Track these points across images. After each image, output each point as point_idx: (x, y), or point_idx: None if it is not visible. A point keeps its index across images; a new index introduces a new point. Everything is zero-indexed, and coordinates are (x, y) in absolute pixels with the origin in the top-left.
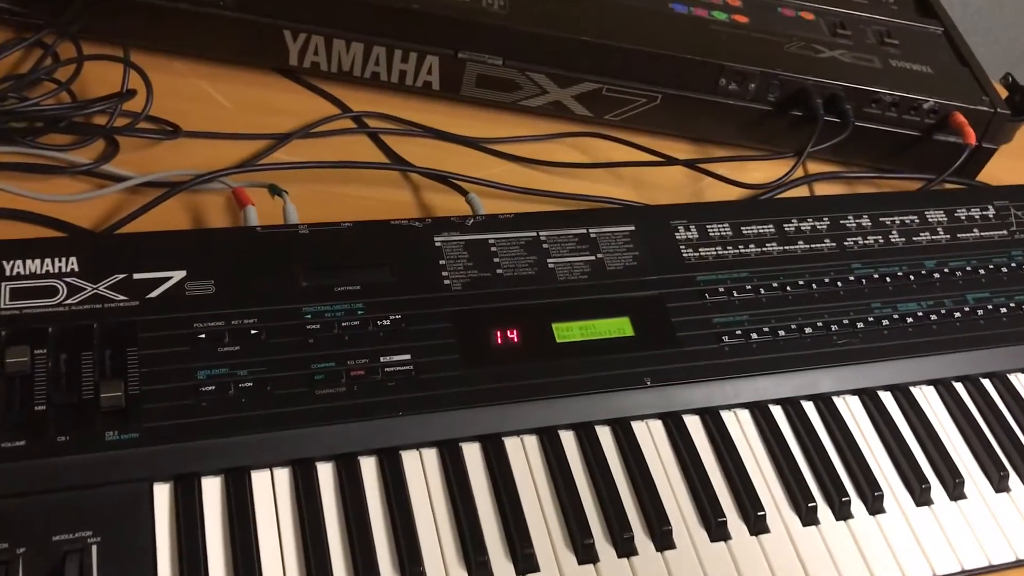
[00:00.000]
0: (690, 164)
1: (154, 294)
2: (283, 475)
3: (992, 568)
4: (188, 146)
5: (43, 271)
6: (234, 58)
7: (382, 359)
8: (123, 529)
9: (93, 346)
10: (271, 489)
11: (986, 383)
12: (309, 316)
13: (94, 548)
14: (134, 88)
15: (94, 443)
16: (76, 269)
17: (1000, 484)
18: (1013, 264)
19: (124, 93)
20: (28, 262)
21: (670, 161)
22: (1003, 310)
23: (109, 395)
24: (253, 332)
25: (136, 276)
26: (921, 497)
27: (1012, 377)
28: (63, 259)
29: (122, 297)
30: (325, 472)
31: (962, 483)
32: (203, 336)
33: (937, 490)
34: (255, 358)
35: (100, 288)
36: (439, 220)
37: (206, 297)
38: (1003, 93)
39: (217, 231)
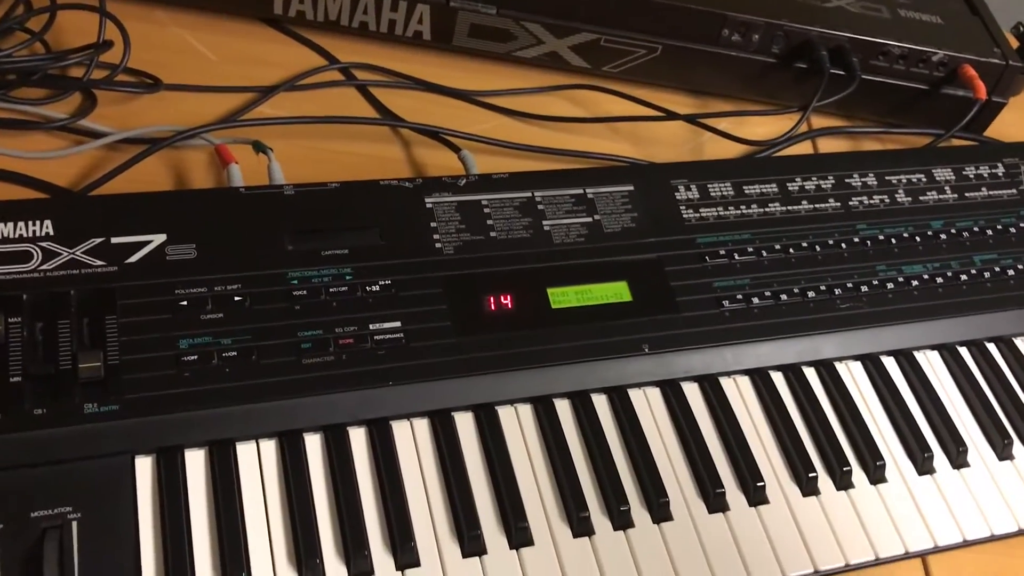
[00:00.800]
0: (691, 119)
1: (133, 259)
2: (269, 447)
3: (993, 538)
4: (169, 100)
5: (16, 235)
6: (217, 6)
7: (371, 327)
8: (104, 504)
9: (70, 314)
10: (257, 462)
11: (991, 348)
12: (295, 282)
13: (74, 524)
14: (111, 39)
15: (72, 415)
16: (51, 233)
17: (1004, 452)
18: (1022, 224)
19: (101, 44)
20: (0, 225)
21: (670, 116)
22: (1010, 272)
23: (87, 365)
24: (237, 299)
25: (114, 240)
26: (923, 466)
27: (1018, 341)
28: (37, 222)
29: (100, 262)
30: (313, 444)
31: (965, 451)
32: (185, 303)
33: (940, 458)
34: (239, 326)
35: (77, 253)
36: (430, 180)
37: (188, 262)
38: (1014, 44)
39: (199, 192)
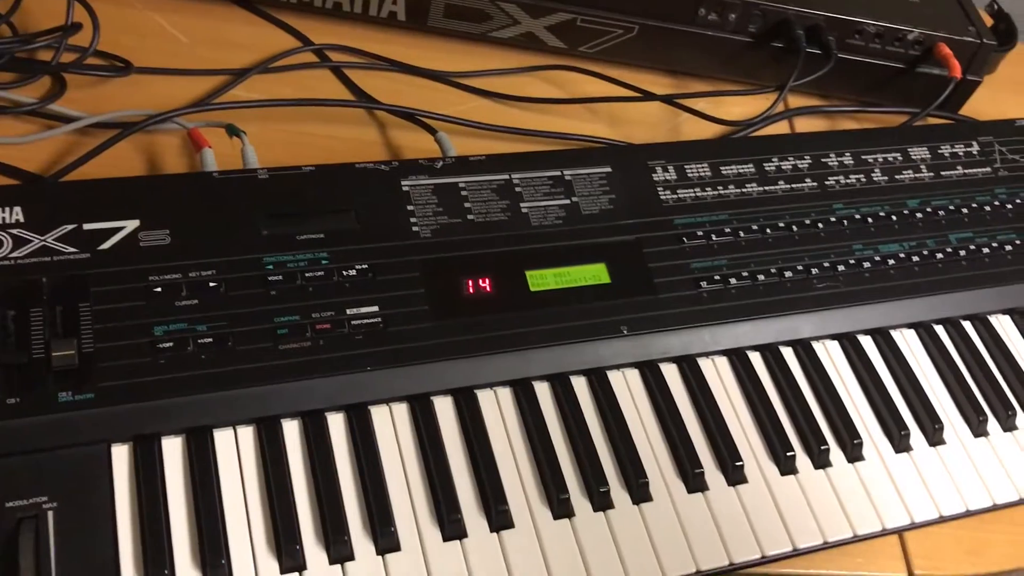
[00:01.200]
0: (668, 100)
1: (106, 245)
2: (247, 433)
3: (969, 513)
4: (140, 83)
5: None
6: None
7: (348, 311)
8: (80, 493)
9: (43, 302)
10: (235, 448)
11: (967, 325)
12: (271, 267)
13: (50, 514)
14: (80, 21)
15: (47, 404)
16: (22, 220)
17: (979, 429)
18: (996, 202)
19: (70, 26)
20: None
21: (647, 96)
22: (985, 250)
23: (61, 354)
24: (212, 284)
25: (87, 226)
26: (900, 444)
27: (993, 319)
28: (7, 209)
29: (72, 249)
30: (291, 429)
31: (941, 429)
32: (159, 289)
33: (916, 436)
34: (214, 312)
35: (48, 240)
36: (406, 163)
37: (161, 248)
38: (988, 22)
39: (172, 177)
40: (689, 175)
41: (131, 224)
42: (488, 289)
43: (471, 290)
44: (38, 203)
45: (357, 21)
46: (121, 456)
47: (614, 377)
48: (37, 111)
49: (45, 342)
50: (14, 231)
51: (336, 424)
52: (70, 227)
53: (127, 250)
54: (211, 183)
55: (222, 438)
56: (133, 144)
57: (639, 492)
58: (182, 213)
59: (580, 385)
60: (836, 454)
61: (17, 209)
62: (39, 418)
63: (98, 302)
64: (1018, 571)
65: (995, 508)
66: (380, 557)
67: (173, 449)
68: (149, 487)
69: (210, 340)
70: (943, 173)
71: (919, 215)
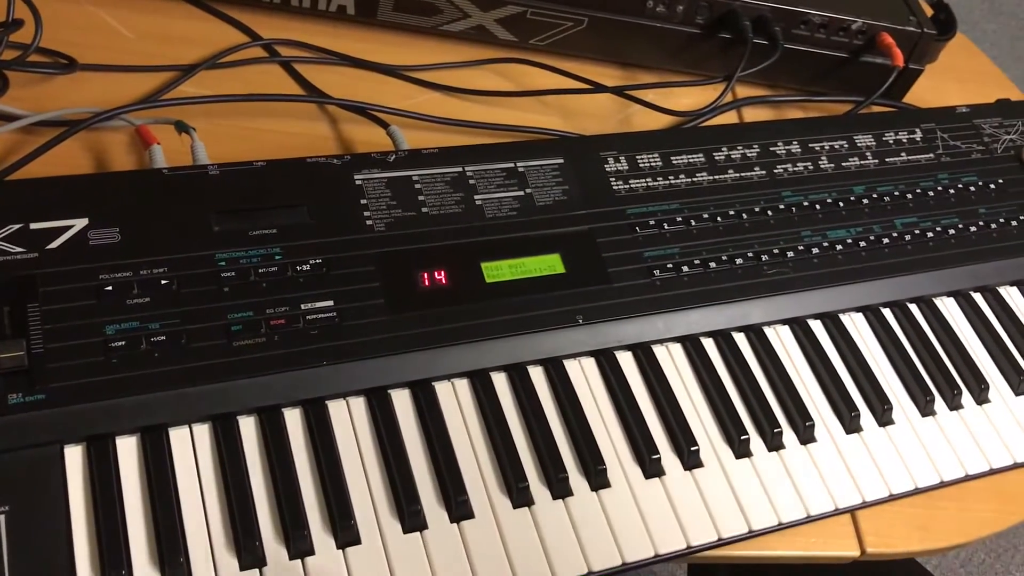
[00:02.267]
0: (618, 91)
1: (54, 244)
2: (203, 431)
3: (918, 491)
4: (85, 80)
5: None
6: None
7: (303, 306)
8: (33, 496)
9: None
10: (191, 447)
11: (913, 308)
12: (223, 263)
13: (2, 518)
14: (21, 18)
15: None
16: None
17: (926, 408)
18: (939, 188)
19: (11, 23)
20: None
21: (598, 88)
22: (929, 234)
23: (10, 355)
24: (164, 282)
25: (34, 226)
26: (851, 425)
27: (938, 301)
28: None
29: (19, 249)
30: (247, 426)
31: (890, 409)
32: (110, 288)
33: (866, 417)
34: (167, 309)
35: None
36: (359, 156)
37: (111, 246)
38: (929, 12)
39: (120, 174)
40: (641, 165)
41: (80, 223)
42: (444, 281)
43: (427, 283)
44: None
45: (306, 16)
46: (74, 457)
47: (571, 366)
48: None
49: None
50: None
51: (293, 419)
52: (16, 227)
53: (76, 249)
54: (161, 180)
55: (177, 436)
56: (79, 142)
57: (597, 479)
58: (132, 211)
59: (537, 375)
60: (789, 436)
61: None
62: None
63: (47, 302)
64: (966, 545)
65: (943, 485)
66: (340, 551)
67: (128, 449)
68: (104, 488)
69: (163, 338)
70: (888, 160)
71: (865, 201)
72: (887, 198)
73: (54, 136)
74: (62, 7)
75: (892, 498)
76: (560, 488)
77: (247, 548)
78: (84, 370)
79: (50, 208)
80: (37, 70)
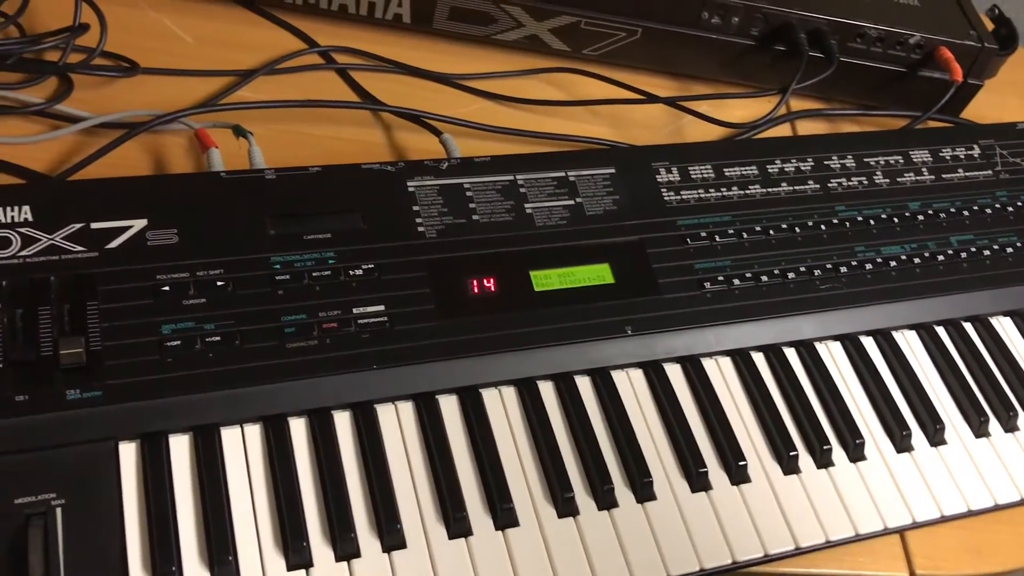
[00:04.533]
0: (671, 102)
1: (114, 244)
2: (254, 432)
3: (971, 513)
4: (147, 84)
5: None
6: None
7: (355, 311)
8: (88, 490)
9: (51, 300)
10: (242, 446)
11: (968, 327)
12: (278, 266)
13: (58, 511)
14: (87, 22)
15: (55, 402)
16: (30, 219)
17: (980, 429)
18: (997, 205)
19: (77, 27)
20: None
21: (650, 99)
22: (986, 252)
23: (69, 352)
24: (219, 284)
25: (94, 225)
26: (902, 444)
27: (993, 320)
28: (16, 208)
29: (80, 248)
30: (298, 428)
31: (943, 429)
32: (167, 288)
33: (918, 436)
34: (222, 311)
35: (56, 239)
36: (412, 164)
37: (169, 247)
38: (990, 26)
39: (179, 177)
40: (693, 176)
41: (139, 223)
42: (493, 289)
43: (476, 290)
44: (46, 202)
45: (363, 23)
46: (129, 454)
47: (618, 377)
48: (44, 111)
49: (53, 340)
50: (23, 230)
51: (343, 422)
52: (78, 226)
53: (135, 249)
54: (219, 183)
55: (229, 436)
56: (139, 144)
57: (643, 491)
58: (190, 212)
59: (584, 385)
60: (838, 454)
61: (26, 208)
62: (48, 415)
63: (106, 300)
64: (1020, 571)
65: (997, 508)
66: (386, 554)
67: (180, 447)
68: (156, 484)
69: (217, 339)
70: (944, 176)
71: (920, 217)
72: (943, 215)
73: (115, 138)
74: (126, 12)
75: (943, 519)
76: (605, 499)
77: (295, 549)
78: (140, 368)
79: (111, 208)
80: (100, 73)
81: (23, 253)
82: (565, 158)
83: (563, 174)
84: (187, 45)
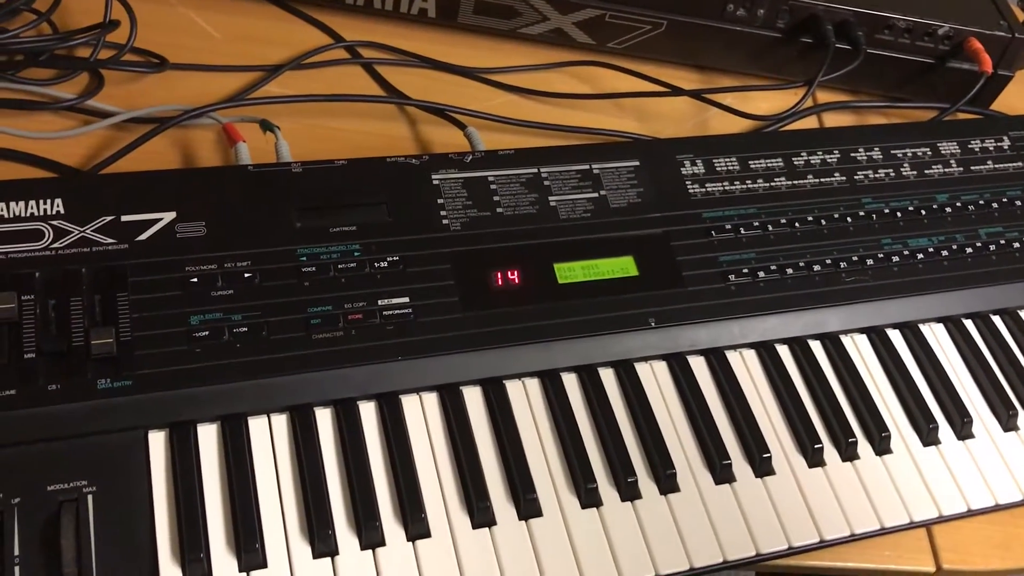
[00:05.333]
0: (696, 94)
1: (143, 236)
2: (280, 421)
3: (999, 507)
4: (175, 79)
5: (27, 214)
6: None
7: (380, 302)
8: (119, 478)
9: (82, 291)
10: (268, 435)
11: (996, 320)
12: (304, 258)
13: (90, 497)
14: (117, 19)
15: (86, 391)
16: (62, 211)
17: (1008, 423)
18: None
19: (107, 24)
20: (12, 204)
21: (675, 91)
22: (1015, 245)
23: (100, 342)
24: (247, 275)
25: (124, 218)
26: (928, 437)
27: (1022, 313)
28: (48, 201)
29: (110, 240)
30: (324, 417)
31: (970, 422)
32: (195, 280)
33: (945, 430)
34: (249, 302)
35: (87, 231)
36: (437, 157)
37: (197, 239)
38: (1020, 16)
39: (208, 170)
40: (717, 169)
41: (168, 216)
42: (517, 281)
43: (500, 282)
44: (78, 195)
45: (388, 18)
46: (158, 442)
47: (642, 369)
48: (75, 107)
49: (84, 330)
50: (55, 222)
51: (368, 412)
52: (108, 218)
53: (164, 241)
54: (246, 176)
55: (256, 425)
56: (168, 139)
57: (667, 483)
58: (218, 205)
59: (608, 377)
60: (864, 447)
61: (58, 201)
62: (79, 404)
63: (136, 292)
64: None
65: None
66: (411, 543)
67: (208, 436)
68: (185, 472)
69: (245, 329)
70: (973, 168)
71: (948, 209)
72: (971, 207)
73: (145, 132)
74: (154, 9)
75: (971, 514)
76: (629, 490)
77: (321, 537)
78: (169, 358)
79: (140, 201)
80: (130, 69)
81: (55, 245)
82: (589, 151)
83: (587, 167)
84: (215, 41)
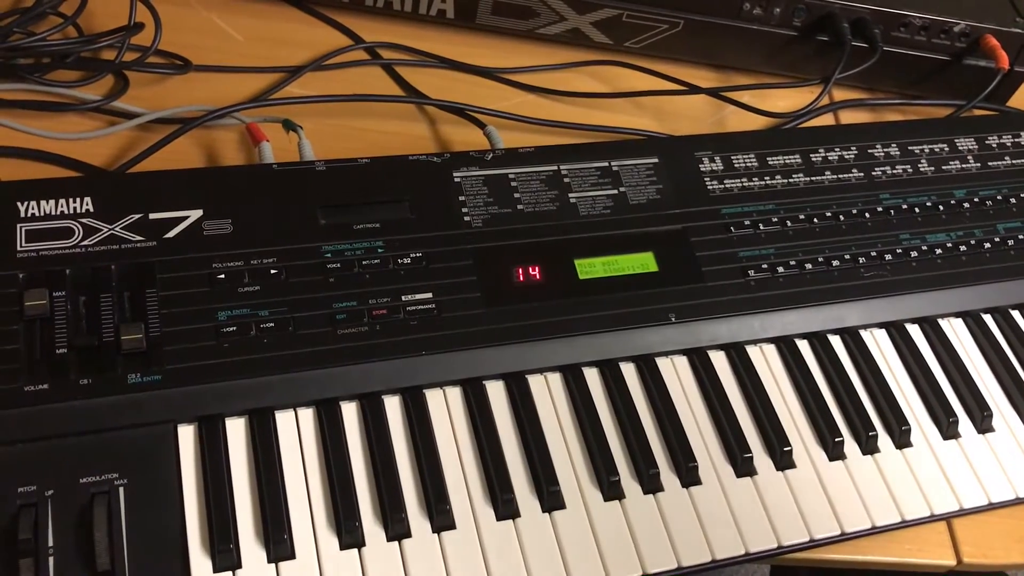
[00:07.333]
0: (713, 92)
1: (171, 234)
2: (307, 415)
3: (1020, 500)
4: (199, 81)
5: (58, 212)
6: None
7: (403, 298)
8: (149, 471)
9: (112, 288)
10: (296, 429)
11: (1016, 315)
12: (329, 255)
13: (121, 490)
14: (142, 21)
15: (116, 385)
16: (91, 209)
17: None
18: None
19: (132, 26)
20: (43, 203)
21: (693, 90)
22: None
23: (130, 337)
24: (273, 272)
25: (152, 216)
26: (948, 430)
27: None
28: (78, 199)
29: (139, 237)
30: (349, 412)
31: (990, 416)
32: (222, 276)
33: (964, 423)
34: (276, 298)
35: (116, 229)
36: (458, 155)
37: (224, 236)
38: None
39: (233, 169)
40: (736, 165)
41: (195, 214)
42: (538, 277)
43: (521, 278)
44: (106, 194)
45: (407, 19)
46: (187, 436)
47: (663, 363)
48: (101, 108)
49: (114, 326)
50: (84, 220)
51: (392, 406)
52: (137, 216)
53: (191, 238)
54: (271, 175)
55: (283, 419)
56: (193, 139)
57: (688, 476)
58: (244, 203)
59: (629, 371)
60: (884, 440)
61: (87, 199)
62: (110, 399)
63: (164, 288)
64: None
65: None
66: (436, 535)
67: (237, 430)
68: (214, 466)
69: (271, 325)
70: (990, 163)
71: (966, 205)
72: (989, 202)
73: (170, 133)
74: (177, 11)
75: (992, 507)
76: (651, 483)
77: (347, 529)
78: (197, 353)
79: (167, 200)
80: (155, 70)
81: (85, 243)
82: (608, 148)
83: (606, 164)
84: (237, 43)
